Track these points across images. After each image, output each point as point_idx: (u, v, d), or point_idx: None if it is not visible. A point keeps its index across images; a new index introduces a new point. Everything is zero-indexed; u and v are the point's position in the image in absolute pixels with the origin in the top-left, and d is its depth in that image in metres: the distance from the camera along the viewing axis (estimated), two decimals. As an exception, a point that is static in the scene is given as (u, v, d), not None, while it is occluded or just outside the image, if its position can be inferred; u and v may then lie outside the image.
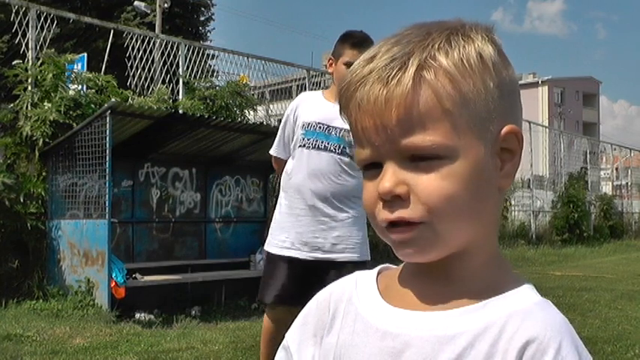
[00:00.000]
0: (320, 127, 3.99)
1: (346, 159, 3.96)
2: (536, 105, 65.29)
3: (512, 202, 19.97)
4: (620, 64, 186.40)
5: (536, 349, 0.85)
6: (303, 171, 4.02)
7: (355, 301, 0.98)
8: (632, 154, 29.38)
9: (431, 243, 0.88)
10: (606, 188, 28.23)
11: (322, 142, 3.98)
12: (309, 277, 3.95)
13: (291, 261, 4.02)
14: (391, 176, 0.87)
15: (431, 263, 0.92)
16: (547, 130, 25.91)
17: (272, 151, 4.26)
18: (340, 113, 0.94)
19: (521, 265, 15.09)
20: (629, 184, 28.57)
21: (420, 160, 0.86)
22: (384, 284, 0.99)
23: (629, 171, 28.84)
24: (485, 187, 0.89)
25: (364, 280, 1.01)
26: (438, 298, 0.91)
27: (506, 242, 17.96)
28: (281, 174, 4.24)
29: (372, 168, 0.90)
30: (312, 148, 3.99)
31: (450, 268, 0.92)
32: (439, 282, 0.92)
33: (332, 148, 3.97)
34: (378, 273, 1.02)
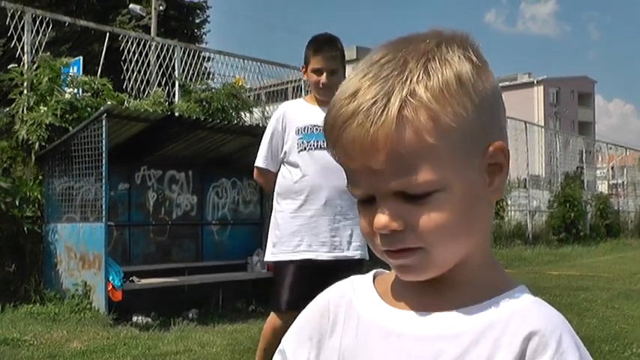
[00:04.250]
0: (317, 129, 3.97)
1: None
2: (531, 105, 65.39)
3: (509, 202, 19.99)
4: (615, 64, 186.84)
5: (538, 342, 0.88)
6: (314, 171, 3.99)
7: (356, 304, 1.00)
8: (627, 153, 29.40)
9: (428, 266, 0.91)
10: (602, 187, 28.29)
11: (324, 142, 3.99)
12: (325, 277, 3.92)
13: (309, 263, 3.96)
14: (385, 212, 0.89)
15: None
16: (543, 129, 25.94)
17: (260, 164, 4.18)
18: (328, 150, 0.96)
19: (518, 265, 15.11)
20: (625, 183, 28.61)
21: (412, 198, 0.88)
22: (383, 288, 1.00)
23: (625, 170, 28.87)
24: (477, 206, 0.92)
25: (362, 284, 1.03)
26: (439, 302, 0.94)
27: (502, 242, 17.98)
28: (269, 186, 4.22)
29: (365, 201, 0.92)
30: (316, 148, 3.98)
31: (447, 276, 0.94)
32: (438, 287, 0.95)
33: None
34: (374, 277, 1.04)
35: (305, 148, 4.03)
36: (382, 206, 0.89)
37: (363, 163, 0.88)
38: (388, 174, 0.87)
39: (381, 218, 0.89)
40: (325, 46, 4.04)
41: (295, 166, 4.06)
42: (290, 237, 4.03)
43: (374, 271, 1.05)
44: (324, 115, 3.50)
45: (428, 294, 0.95)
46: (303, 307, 3.45)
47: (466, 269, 0.94)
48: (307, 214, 4.00)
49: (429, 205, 0.88)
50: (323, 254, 3.97)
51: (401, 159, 0.86)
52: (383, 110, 0.87)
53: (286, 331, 3.64)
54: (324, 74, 3.99)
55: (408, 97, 0.87)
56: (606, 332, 7.00)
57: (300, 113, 4.10)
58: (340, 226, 3.98)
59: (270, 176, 4.19)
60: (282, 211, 4.11)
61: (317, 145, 3.98)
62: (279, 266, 4.13)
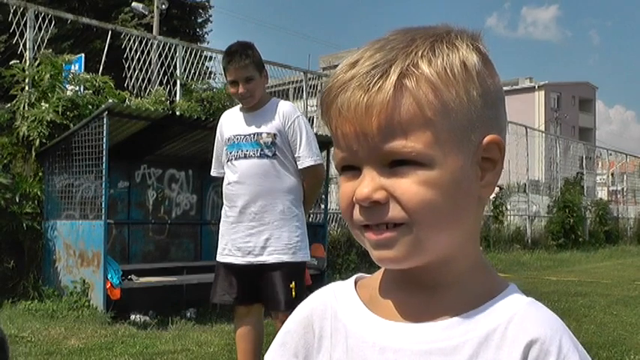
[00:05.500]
0: (237, 139, 4.27)
1: (266, 160, 4.21)
2: (532, 110, 65.36)
3: (508, 207, 19.99)
4: (616, 70, 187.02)
5: (539, 350, 0.86)
6: (231, 181, 4.28)
7: (342, 316, 0.96)
8: (627, 160, 29.41)
9: (409, 247, 0.87)
10: (602, 193, 28.27)
11: (242, 151, 4.25)
12: (247, 279, 4.24)
13: (229, 266, 4.30)
14: (369, 182, 0.86)
15: (413, 271, 0.91)
16: (543, 134, 25.98)
17: (212, 173, 4.56)
18: (322, 117, 0.93)
19: (517, 269, 15.11)
20: (625, 189, 28.62)
21: (399, 165, 0.86)
22: (367, 295, 0.97)
23: (625, 176, 28.88)
24: (464, 196, 0.89)
25: (344, 292, 0.99)
26: (429, 308, 0.91)
27: (501, 247, 17.98)
28: None
29: (350, 169, 0.90)
30: (236, 159, 4.27)
31: (434, 276, 0.91)
32: (426, 291, 0.92)
33: (251, 154, 4.22)
34: (355, 283, 1.00)
35: (229, 159, 4.31)
36: (366, 176, 0.87)
37: (356, 127, 0.86)
38: (378, 139, 0.85)
39: (363, 188, 0.86)
40: (235, 56, 4.19)
41: (226, 174, 4.36)
42: (220, 239, 4.39)
43: (355, 276, 1.02)
44: (246, 121, 3.58)
45: (417, 300, 0.92)
46: (229, 301, 3.62)
47: (454, 270, 0.91)
48: (229, 220, 4.31)
49: (415, 179, 0.85)
50: (238, 259, 4.25)
51: (395, 125, 0.85)
52: (382, 75, 0.86)
53: (236, 318, 3.75)
54: (240, 85, 4.17)
55: (411, 66, 0.86)
56: (604, 338, 6.99)
57: (230, 124, 4.37)
58: (255, 231, 4.21)
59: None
60: (221, 215, 4.46)
61: (237, 155, 4.27)
62: (216, 264, 4.45)
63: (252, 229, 4.20)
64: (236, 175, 4.25)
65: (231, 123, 4.34)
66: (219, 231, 4.41)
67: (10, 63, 9.22)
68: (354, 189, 0.88)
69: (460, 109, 0.87)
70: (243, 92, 4.17)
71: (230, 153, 4.29)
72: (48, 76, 8.91)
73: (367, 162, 0.87)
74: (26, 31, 9.37)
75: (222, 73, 4.36)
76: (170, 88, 11.29)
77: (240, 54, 4.18)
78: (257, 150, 4.21)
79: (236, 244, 4.24)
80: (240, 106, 4.38)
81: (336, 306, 0.97)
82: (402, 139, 0.85)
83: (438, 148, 0.86)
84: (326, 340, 0.96)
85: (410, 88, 0.85)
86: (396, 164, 0.86)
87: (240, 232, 4.23)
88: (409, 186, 0.85)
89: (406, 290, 0.93)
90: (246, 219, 4.21)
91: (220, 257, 4.35)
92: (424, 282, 0.92)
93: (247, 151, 4.22)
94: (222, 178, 4.44)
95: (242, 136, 4.24)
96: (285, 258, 4.17)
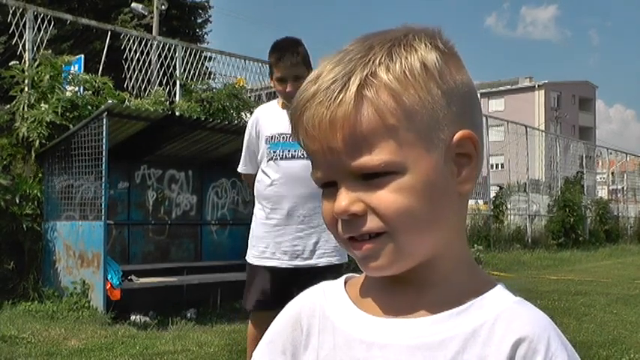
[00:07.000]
0: (283, 138, 4.07)
1: None
2: (532, 109, 65.42)
3: (508, 206, 20.00)
4: (616, 69, 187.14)
5: (527, 348, 0.86)
6: (278, 181, 4.09)
7: (330, 314, 0.96)
8: (627, 159, 29.45)
9: (392, 255, 0.88)
10: (602, 192, 28.28)
11: (289, 151, 4.07)
12: (289, 283, 4.03)
13: (272, 270, 4.09)
14: (345, 196, 0.87)
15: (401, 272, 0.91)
16: (543, 134, 26.00)
17: (240, 169, 4.40)
18: (292, 137, 0.94)
19: (517, 269, 15.12)
20: (625, 188, 28.63)
21: (372, 177, 0.86)
22: (355, 294, 0.97)
23: (625, 175, 28.90)
24: (442, 195, 0.89)
25: (333, 291, 1.00)
26: (417, 305, 0.91)
27: (501, 246, 17.98)
28: (252, 187, 4.33)
29: (329, 186, 0.90)
30: (282, 158, 4.07)
31: (419, 275, 0.91)
32: (413, 288, 0.92)
33: (300, 154, 4.02)
34: (345, 282, 1.01)
35: (272, 158, 4.10)
36: (342, 190, 0.88)
37: (323, 143, 0.87)
38: (346, 153, 0.85)
39: (341, 202, 0.87)
40: (286, 53, 4.03)
41: (265, 174, 4.15)
42: (258, 242, 4.16)
43: (345, 276, 1.02)
44: None
45: (403, 297, 0.92)
46: (268, 307, 3.40)
47: (440, 268, 0.91)
48: (272, 222, 4.10)
49: (389, 188, 0.86)
50: (284, 262, 4.05)
51: (359, 138, 0.85)
52: (342, 89, 0.86)
53: (256, 326, 3.60)
54: (289, 83, 4.00)
55: (369, 76, 0.86)
56: (604, 337, 6.98)
57: (270, 120, 4.16)
58: (304, 234, 4.04)
59: (251, 177, 4.32)
60: (255, 215, 4.24)
61: (282, 155, 4.08)
62: (249, 267, 4.24)
63: (301, 232, 4.04)
64: (281, 175, 4.07)
65: (273, 120, 4.12)
66: (254, 233, 4.20)
67: (10, 64, 9.22)
68: (333, 204, 0.89)
69: (424, 110, 0.87)
70: (291, 91, 3.95)
71: (274, 152, 4.10)
72: (47, 77, 8.92)
73: (340, 177, 0.88)
74: (25, 32, 9.36)
75: (269, 68, 4.14)
76: (170, 88, 11.29)
77: (292, 52, 4.03)
78: (304, 151, 4.00)
79: (282, 247, 4.06)
80: (276, 102, 4.24)
81: (325, 304, 0.98)
82: (368, 153, 0.85)
83: (406, 153, 0.86)
84: (313, 337, 0.97)
85: (370, 98, 0.85)
86: (369, 177, 0.86)
87: (288, 235, 4.04)
88: (384, 196, 0.86)
89: (393, 288, 0.93)
90: (293, 222, 4.04)
91: (259, 260, 4.14)
92: (411, 281, 0.92)
93: (295, 151, 4.03)
94: (250, 175, 4.31)
95: (288, 135, 4.01)
96: (334, 260, 4.05)
